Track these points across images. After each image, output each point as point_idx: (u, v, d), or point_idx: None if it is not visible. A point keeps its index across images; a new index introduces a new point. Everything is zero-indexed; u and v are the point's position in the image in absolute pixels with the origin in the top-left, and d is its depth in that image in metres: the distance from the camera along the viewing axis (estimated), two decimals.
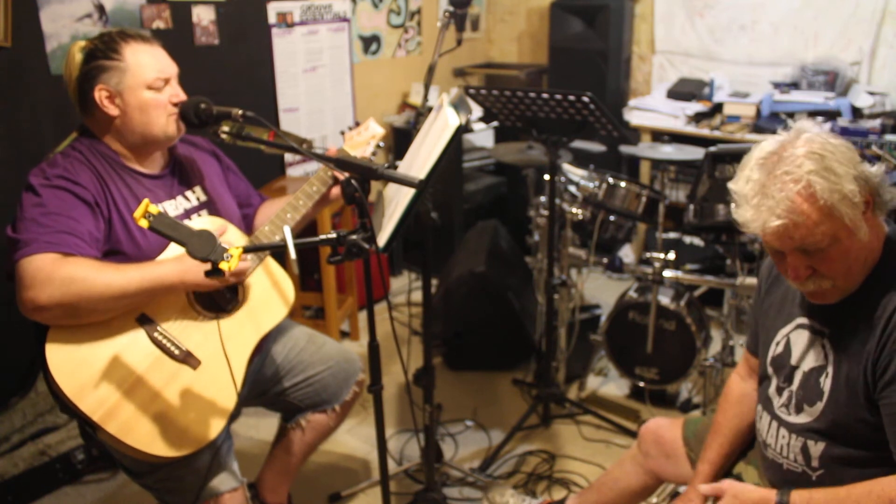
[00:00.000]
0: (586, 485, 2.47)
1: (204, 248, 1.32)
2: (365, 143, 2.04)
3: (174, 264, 1.59)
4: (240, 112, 1.67)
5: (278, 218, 1.82)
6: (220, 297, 1.74)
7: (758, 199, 1.28)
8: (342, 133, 2.10)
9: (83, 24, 2.70)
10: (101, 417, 1.48)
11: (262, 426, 2.83)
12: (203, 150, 1.94)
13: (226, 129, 1.70)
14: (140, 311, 1.61)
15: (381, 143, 2.06)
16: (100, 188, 1.62)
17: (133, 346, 1.57)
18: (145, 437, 1.52)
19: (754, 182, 1.29)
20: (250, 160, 2.24)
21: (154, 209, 1.31)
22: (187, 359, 1.61)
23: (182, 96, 1.71)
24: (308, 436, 2.11)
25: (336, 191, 1.94)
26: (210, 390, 1.62)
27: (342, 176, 1.90)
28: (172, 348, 1.60)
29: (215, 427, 1.60)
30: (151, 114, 1.66)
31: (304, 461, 2.18)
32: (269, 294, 1.82)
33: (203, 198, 1.85)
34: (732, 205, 1.35)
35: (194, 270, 1.57)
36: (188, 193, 1.82)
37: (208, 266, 1.34)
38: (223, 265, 1.33)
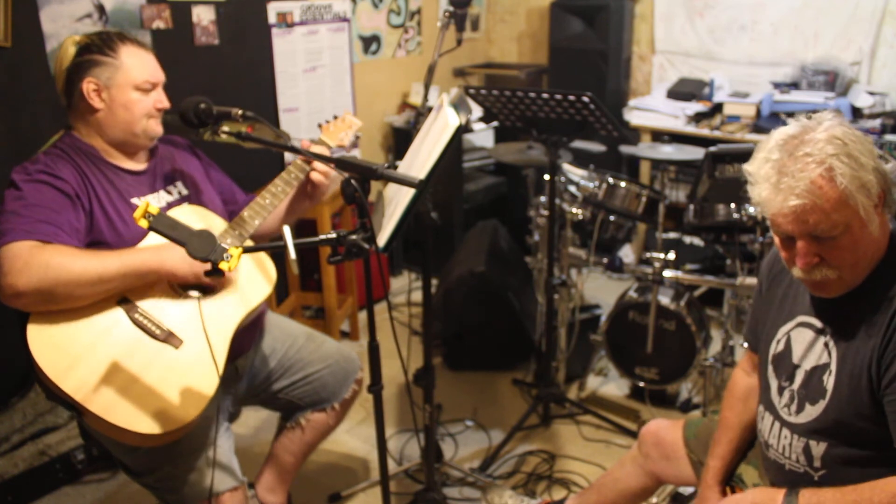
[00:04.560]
0: (586, 485, 2.47)
1: (204, 247, 1.32)
2: (342, 132, 2.07)
3: (153, 252, 1.60)
4: (239, 112, 1.68)
5: (256, 204, 1.83)
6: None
7: (777, 177, 1.27)
8: (319, 126, 2.11)
9: (83, 24, 2.70)
10: (84, 397, 1.48)
11: (261, 426, 2.83)
12: (182, 149, 1.97)
13: (226, 128, 1.71)
14: (121, 294, 1.61)
15: (360, 134, 2.07)
16: (81, 182, 1.64)
17: (114, 327, 1.57)
18: (129, 415, 1.51)
19: (774, 162, 1.28)
20: (250, 159, 2.24)
21: (154, 209, 1.31)
22: (169, 338, 1.61)
23: (166, 104, 1.76)
24: (308, 435, 2.11)
25: (317, 177, 1.94)
26: (193, 368, 1.61)
27: (319, 167, 1.91)
28: (154, 328, 1.61)
29: (199, 404, 1.59)
30: (135, 113, 1.70)
31: (304, 461, 2.18)
32: (252, 273, 1.82)
33: (184, 192, 1.87)
34: (747, 185, 1.34)
35: (173, 258, 1.58)
36: (169, 188, 1.84)
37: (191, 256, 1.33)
38: (223, 265, 1.33)
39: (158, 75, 1.75)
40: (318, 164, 1.91)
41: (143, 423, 1.51)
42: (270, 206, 1.83)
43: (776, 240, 1.37)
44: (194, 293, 1.69)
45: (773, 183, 1.28)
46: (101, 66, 1.66)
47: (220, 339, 1.67)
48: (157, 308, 1.64)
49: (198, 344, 1.63)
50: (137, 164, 1.79)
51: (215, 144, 1.83)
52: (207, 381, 1.61)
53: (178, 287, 1.69)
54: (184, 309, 1.66)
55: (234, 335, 1.72)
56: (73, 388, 1.48)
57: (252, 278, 1.81)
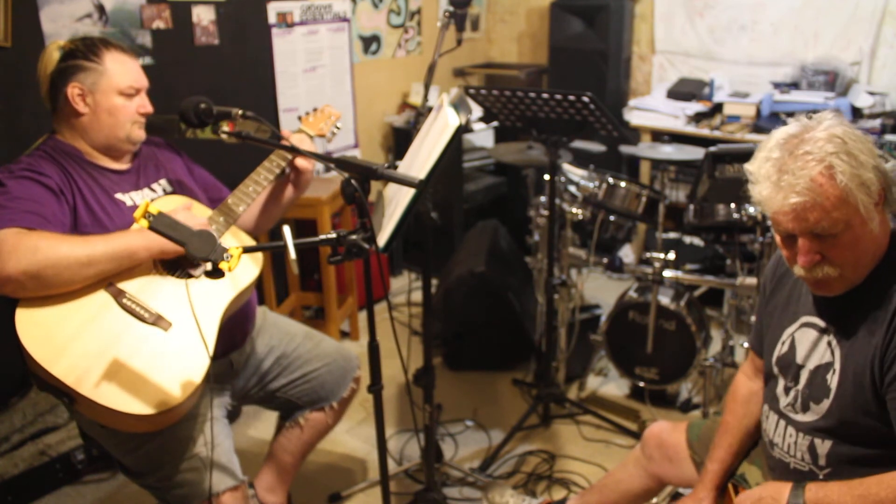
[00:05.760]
0: (586, 485, 2.47)
1: (204, 248, 1.32)
2: (322, 122, 2.08)
3: (140, 232, 1.60)
4: (239, 112, 1.68)
5: (240, 191, 1.84)
6: (185, 262, 1.74)
7: (777, 176, 1.28)
8: (299, 118, 2.12)
9: (83, 24, 2.70)
10: (75, 381, 1.47)
11: (261, 426, 2.83)
12: (164, 147, 1.98)
13: (226, 128, 1.71)
14: (108, 279, 1.61)
15: (339, 125, 2.13)
16: (64, 178, 1.66)
17: (103, 312, 1.57)
18: (121, 398, 1.50)
19: (774, 160, 1.29)
20: (237, 158, 2.23)
21: (154, 209, 1.31)
22: (158, 322, 1.61)
23: (149, 108, 1.78)
24: (306, 434, 2.12)
25: (302, 163, 1.95)
26: (183, 350, 1.61)
27: (302, 158, 1.92)
28: (142, 312, 1.60)
29: (190, 385, 1.59)
30: (119, 118, 1.73)
31: (303, 460, 2.18)
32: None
33: (168, 189, 1.88)
34: (748, 184, 1.35)
35: (158, 237, 1.58)
36: (153, 185, 1.85)
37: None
38: (223, 265, 1.33)
39: (142, 81, 1.77)
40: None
41: (135, 405, 1.51)
42: (254, 192, 1.85)
43: (777, 239, 1.37)
44: (179, 279, 1.69)
45: (773, 181, 1.28)
46: (85, 71, 1.68)
47: (210, 320, 1.67)
48: (144, 292, 1.64)
49: (187, 326, 1.63)
50: (121, 165, 1.81)
51: (200, 144, 1.83)
52: (198, 363, 1.61)
53: (163, 269, 1.69)
54: (171, 291, 1.67)
55: (226, 321, 1.72)
56: (63, 372, 1.47)
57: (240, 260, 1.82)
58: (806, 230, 1.28)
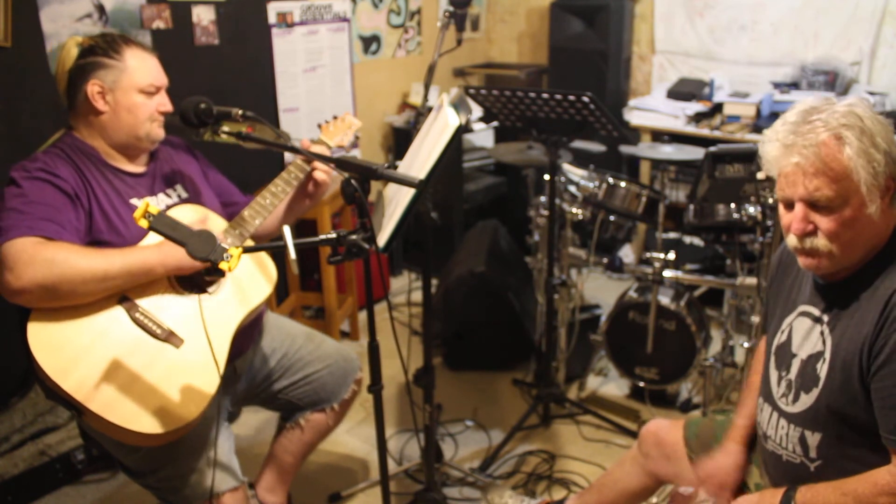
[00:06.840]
0: (586, 485, 2.47)
1: (204, 248, 1.32)
2: (342, 132, 2.08)
3: (156, 248, 1.60)
4: (240, 112, 1.68)
5: (257, 203, 1.83)
6: (201, 279, 1.73)
7: (787, 137, 1.31)
8: (319, 126, 2.12)
9: (83, 24, 2.70)
10: (84, 396, 1.47)
11: (262, 426, 2.83)
12: (181, 150, 1.97)
13: (226, 128, 1.71)
14: (121, 293, 1.61)
15: (359, 134, 2.09)
16: (80, 181, 1.64)
17: (115, 326, 1.57)
18: (129, 415, 1.50)
19: (789, 125, 1.32)
20: (250, 161, 2.24)
21: (154, 209, 1.31)
22: (170, 338, 1.61)
23: (169, 107, 1.76)
24: (307, 435, 2.11)
25: (321, 176, 1.95)
26: (194, 368, 1.61)
27: (320, 167, 1.92)
28: (154, 328, 1.60)
29: (199, 404, 1.58)
30: (139, 116, 1.71)
31: (303, 461, 2.18)
32: (252, 272, 1.82)
33: (184, 195, 1.87)
34: (760, 144, 1.38)
35: (175, 254, 1.58)
36: (168, 191, 1.84)
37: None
38: (223, 265, 1.33)
39: (162, 79, 1.76)
40: (319, 163, 1.91)
41: (143, 423, 1.51)
42: (271, 205, 1.83)
43: (780, 207, 1.39)
44: (193, 296, 1.69)
45: (781, 140, 1.31)
46: (105, 68, 1.66)
47: (221, 338, 1.67)
48: (157, 307, 1.64)
49: (199, 343, 1.63)
50: (137, 167, 1.79)
51: (214, 145, 1.83)
52: (208, 381, 1.61)
53: (178, 286, 1.69)
54: (184, 308, 1.66)
55: (235, 335, 1.71)
56: (73, 387, 1.47)
57: (253, 278, 1.81)
58: (804, 196, 1.30)
